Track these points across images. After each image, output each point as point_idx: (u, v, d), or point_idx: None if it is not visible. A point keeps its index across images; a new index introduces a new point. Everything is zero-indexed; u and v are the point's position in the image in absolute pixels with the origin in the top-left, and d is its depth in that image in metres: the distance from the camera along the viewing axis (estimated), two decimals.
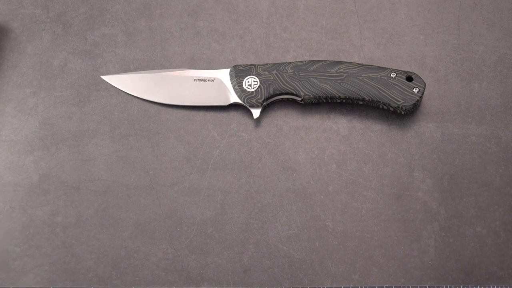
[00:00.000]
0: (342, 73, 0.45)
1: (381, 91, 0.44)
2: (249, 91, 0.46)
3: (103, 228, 0.44)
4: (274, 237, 0.43)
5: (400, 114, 0.46)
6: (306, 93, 0.46)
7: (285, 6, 0.52)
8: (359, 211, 0.44)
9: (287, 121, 0.47)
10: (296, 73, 0.46)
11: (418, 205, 0.44)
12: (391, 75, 0.45)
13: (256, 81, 0.47)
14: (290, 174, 0.45)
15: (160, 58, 0.50)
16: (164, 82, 0.48)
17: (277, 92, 0.46)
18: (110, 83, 0.49)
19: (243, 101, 0.46)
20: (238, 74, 0.47)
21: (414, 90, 0.44)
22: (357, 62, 0.48)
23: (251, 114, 0.47)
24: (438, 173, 0.44)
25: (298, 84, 0.46)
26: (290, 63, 0.47)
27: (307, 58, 0.49)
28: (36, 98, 0.49)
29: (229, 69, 0.48)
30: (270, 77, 0.46)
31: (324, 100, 0.46)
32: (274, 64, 0.47)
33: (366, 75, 0.45)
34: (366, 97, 0.45)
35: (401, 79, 0.45)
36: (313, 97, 0.46)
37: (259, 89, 0.46)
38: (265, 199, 0.44)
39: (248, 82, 0.47)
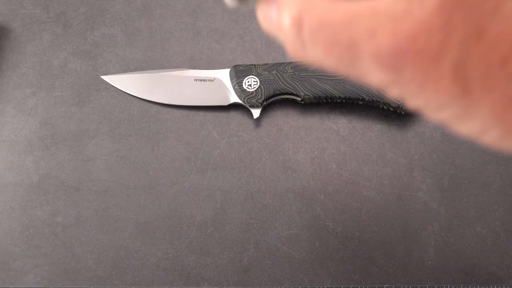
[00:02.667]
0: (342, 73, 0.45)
1: (381, 91, 0.44)
2: (249, 91, 0.46)
3: (103, 228, 0.44)
4: (274, 237, 0.43)
5: (400, 114, 0.46)
6: (306, 93, 0.46)
7: None
8: (359, 211, 0.44)
9: (287, 121, 0.47)
10: (296, 73, 0.46)
11: (418, 205, 0.44)
12: None
13: (256, 81, 0.47)
14: (290, 174, 0.45)
15: (160, 58, 0.50)
16: (164, 82, 0.48)
17: (277, 92, 0.46)
18: (110, 83, 0.49)
19: (243, 101, 0.46)
20: (238, 74, 0.47)
21: None
22: None
23: (251, 114, 0.47)
24: (438, 173, 0.44)
25: (298, 84, 0.46)
26: (290, 63, 0.47)
27: None
28: (36, 98, 0.49)
29: (229, 69, 0.48)
30: (270, 77, 0.46)
31: (324, 100, 0.46)
32: (274, 64, 0.47)
33: None
34: (366, 97, 0.45)
35: None
36: (313, 97, 0.46)
37: (259, 89, 0.46)
38: (265, 199, 0.44)
39: (248, 82, 0.47)
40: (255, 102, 0.46)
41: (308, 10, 0.18)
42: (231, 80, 0.47)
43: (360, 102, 0.46)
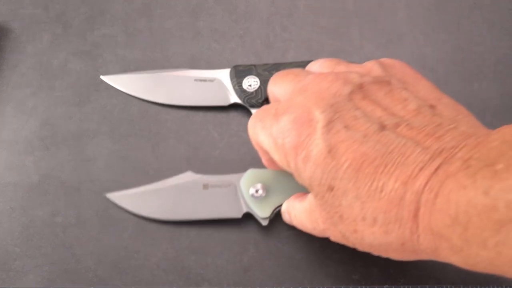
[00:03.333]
0: None
1: None
2: (249, 91, 0.46)
3: (103, 228, 0.44)
4: (274, 237, 0.43)
5: None
6: None
7: (285, 6, 0.52)
8: None
9: None
10: None
11: None
12: None
13: (256, 81, 0.47)
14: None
15: (160, 58, 0.50)
16: (164, 82, 0.48)
17: None
18: (110, 83, 0.49)
19: (243, 101, 0.46)
20: (238, 74, 0.47)
21: None
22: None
23: (251, 114, 0.47)
24: None
25: None
26: (290, 63, 0.47)
27: (307, 58, 0.49)
28: (36, 98, 0.49)
29: (229, 69, 0.48)
30: (271, 77, 0.46)
31: None
32: (274, 64, 0.47)
33: None
34: None
35: None
36: None
37: (259, 89, 0.46)
38: None
39: (248, 82, 0.47)
40: (255, 102, 0.46)
41: (292, 217, 0.40)
42: (231, 80, 0.47)
43: None
